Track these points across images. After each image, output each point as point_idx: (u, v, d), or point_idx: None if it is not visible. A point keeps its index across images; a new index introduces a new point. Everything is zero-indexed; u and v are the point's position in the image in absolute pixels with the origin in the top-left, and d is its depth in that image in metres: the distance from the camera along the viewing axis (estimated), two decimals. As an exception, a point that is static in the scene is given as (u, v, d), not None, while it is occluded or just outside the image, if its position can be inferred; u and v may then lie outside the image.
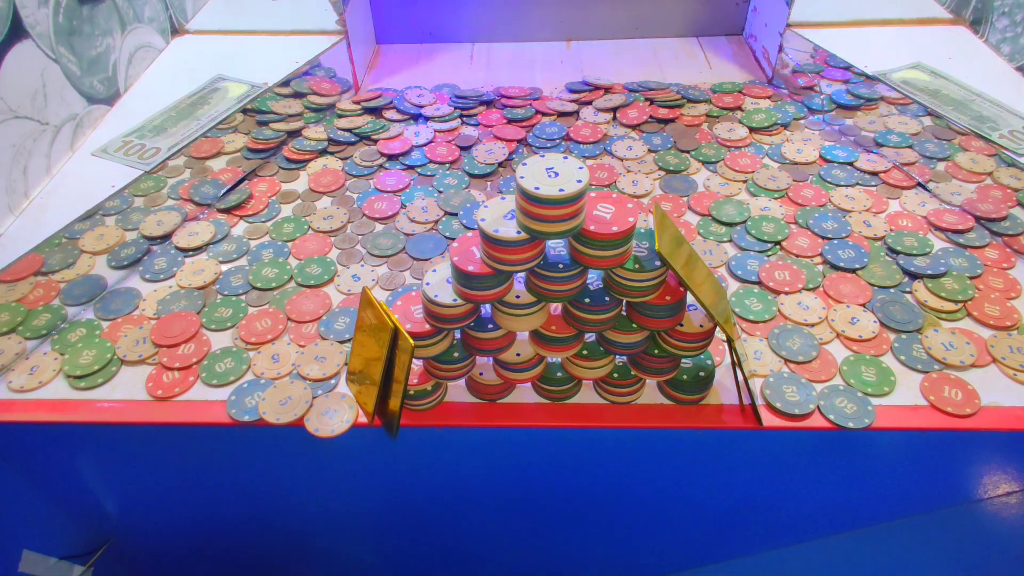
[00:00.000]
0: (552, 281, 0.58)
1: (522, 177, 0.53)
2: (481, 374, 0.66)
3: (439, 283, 0.60)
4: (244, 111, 1.02)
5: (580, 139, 1.01)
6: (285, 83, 1.07)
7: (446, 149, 1.00)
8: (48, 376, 0.70)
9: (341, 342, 0.73)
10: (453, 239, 0.85)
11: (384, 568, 1.02)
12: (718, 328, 0.60)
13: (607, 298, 0.60)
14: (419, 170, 0.97)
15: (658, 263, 0.57)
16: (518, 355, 0.64)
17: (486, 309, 0.62)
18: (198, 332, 0.74)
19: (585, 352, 0.64)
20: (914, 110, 1.02)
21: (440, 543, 0.94)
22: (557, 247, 0.59)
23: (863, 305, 0.75)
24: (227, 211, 0.90)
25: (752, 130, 1.02)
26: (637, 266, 0.57)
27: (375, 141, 1.02)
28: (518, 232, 0.55)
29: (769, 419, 0.65)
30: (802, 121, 1.05)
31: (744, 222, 0.86)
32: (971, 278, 0.77)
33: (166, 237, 0.86)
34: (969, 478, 0.75)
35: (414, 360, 0.62)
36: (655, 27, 1.28)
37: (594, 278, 0.61)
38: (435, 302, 0.59)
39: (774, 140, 1.01)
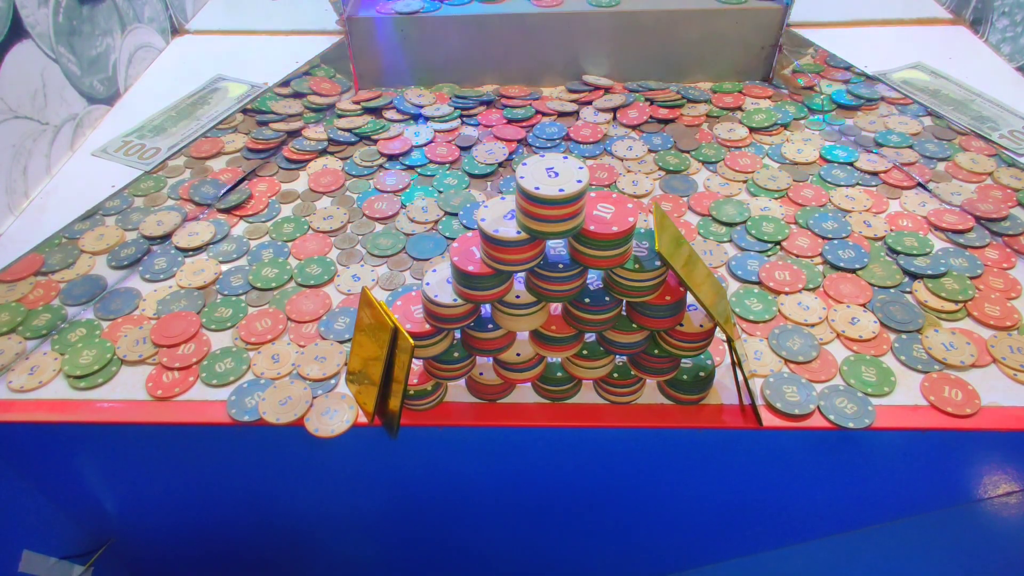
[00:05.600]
0: (552, 281, 0.58)
1: (522, 177, 0.53)
2: (481, 374, 0.66)
3: (439, 283, 0.60)
4: (244, 111, 1.02)
5: (580, 139, 1.01)
6: (285, 83, 1.07)
7: (446, 149, 1.00)
8: (48, 376, 0.70)
9: (341, 342, 0.73)
10: (453, 239, 0.85)
11: (384, 568, 1.02)
12: (718, 328, 0.60)
13: (607, 298, 0.60)
14: (419, 170, 0.97)
15: (658, 263, 0.57)
16: (518, 355, 0.64)
17: (486, 309, 0.62)
18: (198, 332, 0.74)
19: (585, 352, 0.64)
20: (914, 110, 1.02)
21: (440, 543, 0.94)
22: (557, 247, 0.59)
23: (863, 305, 0.75)
24: (227, 211, 0.90)
25: (752, 130, 1.02)
26: (637, 266, 0.57)
27: (375, 141, 1.02)
28: (518, 232, 0.55)
29: (769, 419, 0.65)
30: (802, 121, 1.05)
31: (744, 222, 0.86)
32: (971, 278, 0.77)
33: (166, 237, 0.86)
34: (969, 478, 0.75)
35: (414, 360, 0.62)
36: (678, 75, 1.15)
37: (594, 278, 0.61)
38: (435, 302, 0.59)
39: (774, 140, 1.01)
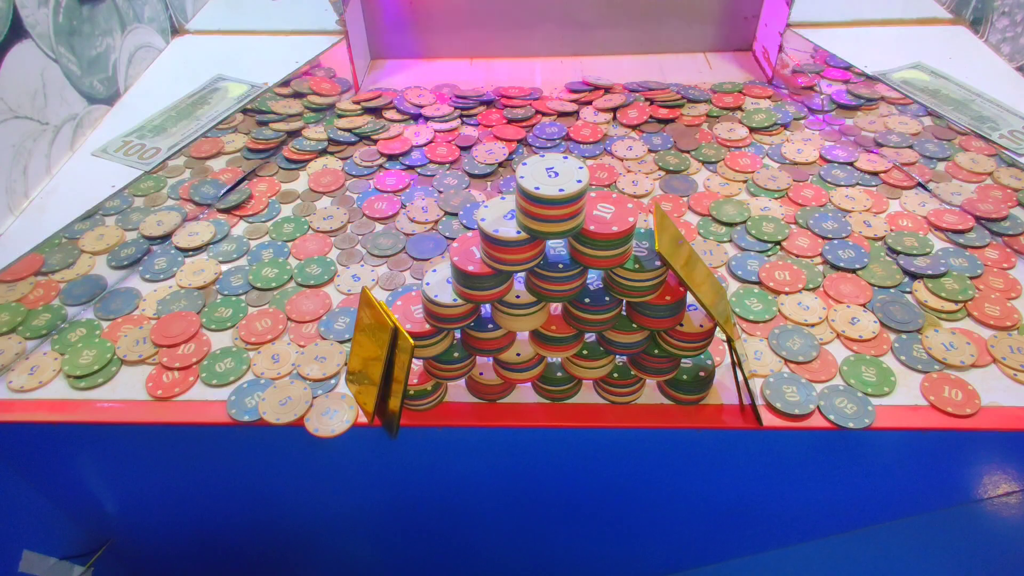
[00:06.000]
0: (552, 281, 0.58)
1: (522, 177, 0.53)
2: (481, 374, 0.66)
3: (439, 283, 0.60)
4: (244, 111, 1.02)
5: (580, 139, 1.01)
6: (285, 83, 1.07)
7: (446, 149, 1.00)
8: (48, 376, 0.70)
9: (341, 342, 0.73)
10: (453, 239, 0.85)
11: (384, 568, 1.02)
12: (718, 328, 0.60)
13: (607, 298, 0.60)
14: (419, 170, 0.97)
15: (658, 263, 0.57)
16: (518, 355, 0.64)
17: (486, 309, 0.62)
18: (198, 332, 0.74)
19: (585, 352, 0.64)
20: (914, 110, 1.02)
21: (440, 543, 0.94)
22: (557, 247, 0.59)
23: (863, 305, 0.75)
24: (227, 211, 0.90)
25: (752, 130, 1.02)
26: (637, 266, 0.57)
27: (375, 141, 1.02)
28: (518, 232, 0.55)
29: (769, 419, 0.65)
30: (802, 121, 1.05)
31: (744, 222, 0.86)
32: (971, 278, 0.77)
33: (166, 237, 0.86)
34: (969, 478, 0.75)
35: (414, 360, 0.62)
36: (662, 44, 1.24)
37: (594, 278, 0.61)
38: (435, 302, 0.59)
39: (774, 140, 1.01)
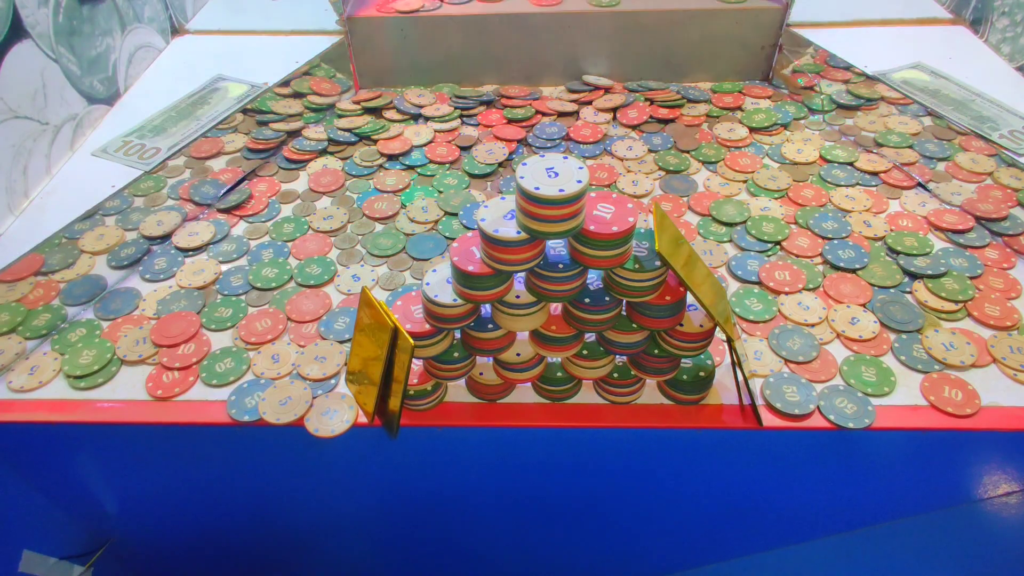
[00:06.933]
0: (552, 281, 0.58)
1: (522, 177, 0.53)
2: (481, 374, 0.66)
3: (439, 283, 0.60)
4: (244, 111, 1.02)
5: (580, 139, 1.01)
6: (285, 83, 1.07)
7: (446, 149, 1.00)
8: (48, 376, 0.70)
9: (341, 342, 0.73)
10: (453, 239, 0.85)
11: (384, 568, 1.02)
12: (718, 328, 0.60)
13: (607, 298, 0.60)
14: (419, 170, 0.97)
15: (658, 263, 0.57)
16: (518, 355, 0.64)
17: (486, 309, 0.62)
18: (198, 332, 0.74)
19: (585, 352, 0.64)
20: (914, 110, 1.02)
21: (440, 543, 0.94)
22: (557, 247, 0.59)
23: (863, 305, 0.75)
24: (227, 211, 0.90)
25: (752, 130, 1.02)
26: (637, 266, 0.57)
27: (375, 141, 1.02)
28: (518, 232, 0.55)
29: (769, 419, 0.65)
30: (802, 121, 1.05)
31: (744, 222, 0.86)
32: (971, 278, 0.77)
33: (166, 237, 0.86)
34: (969, 478, 0.75)
35: (414, 360, 0.62)
36: (675, 76, 1.15)
37: (594, 278, 0.61)
38: (435, 302, 0.59)
39: (774, 140, 1.01)
